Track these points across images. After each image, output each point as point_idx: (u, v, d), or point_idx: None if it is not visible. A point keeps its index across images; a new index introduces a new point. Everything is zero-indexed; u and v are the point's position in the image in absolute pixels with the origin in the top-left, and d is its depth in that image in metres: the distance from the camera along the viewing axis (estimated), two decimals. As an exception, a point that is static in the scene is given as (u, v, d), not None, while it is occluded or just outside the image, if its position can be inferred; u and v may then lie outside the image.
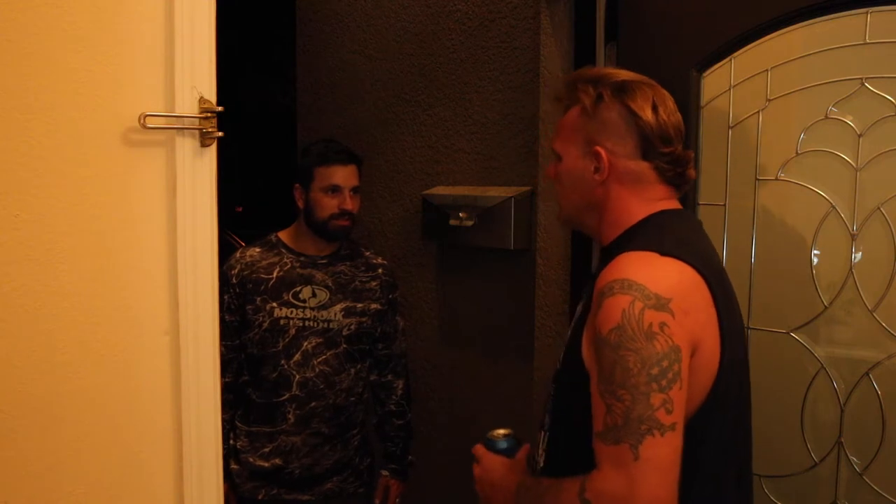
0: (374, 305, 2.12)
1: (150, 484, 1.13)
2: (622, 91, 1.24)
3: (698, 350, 1.10)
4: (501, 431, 1.37)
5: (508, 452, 1.35)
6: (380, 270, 2.17)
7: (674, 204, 1.27)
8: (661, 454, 1.01)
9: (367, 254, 2.20)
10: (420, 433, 2.38)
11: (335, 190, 2.03)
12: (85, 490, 1.08)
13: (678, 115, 1.27)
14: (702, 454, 1.12)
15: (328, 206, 2.04)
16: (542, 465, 1.30)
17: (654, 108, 1.23)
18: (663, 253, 1.13)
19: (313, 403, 2.04)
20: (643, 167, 1.24)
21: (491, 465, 1.32)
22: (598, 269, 1.30)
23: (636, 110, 1.22)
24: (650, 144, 1.23)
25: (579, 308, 1.28)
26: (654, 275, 1.09)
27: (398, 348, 2.23)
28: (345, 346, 2.08)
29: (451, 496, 2.35)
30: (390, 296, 2.18)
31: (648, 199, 1.25)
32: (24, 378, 1.02)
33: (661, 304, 1.06)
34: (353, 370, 2.09)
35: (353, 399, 2.10)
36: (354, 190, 2.07)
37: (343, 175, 2.05)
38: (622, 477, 1.01)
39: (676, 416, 1.03)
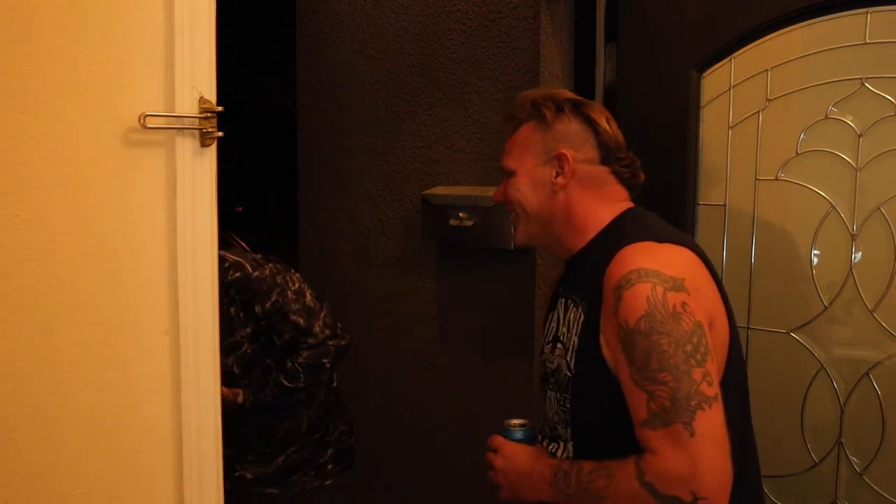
0: (246, 331, 2.00)
1: (150, 484, 1.13)
2: (579, 105, 1.33)
3: (713, 323, 1.16)
4: (518, 421, 1.36)
5: (527, 441, 1.34)
6: (232, 291, 1.97)
7: (629, 204, 1.34)
8: (714, 425, 1.04)
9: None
10: (419, 433, 2.38)
11: None
12: (85, 490, 1.07)
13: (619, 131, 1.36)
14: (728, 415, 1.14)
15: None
16: None
17: (609, 122, 1.32)
18: (660, 240, 1.19)
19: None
20: (602, 171, 1.32)
21: (514, 454, 1.30)
22: (569, 277, 1.35)
23: (596, 120, 1.31)
24: (608, 151, 1.31)
25: (574, 314, 1.26)
26: (663, 260, 1.15)
27: (322, 335, 2.02)
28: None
29: (450, 496, 2.35)
30: (252, 315, 1.98)
31: (611, 201, 1.31)
32: (24, 378, 1.02)
33: (677, 285, 1.11)
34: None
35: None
36: None
37: None
38: (683, 456, 1.03)
39: (716, 387, 1.07)
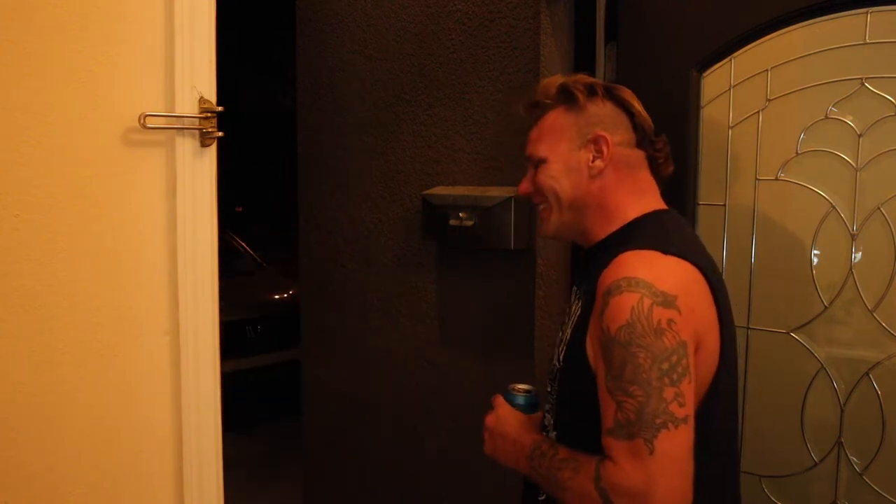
0: None
1: (150, 484, 1.13)
2: (611, 88, 1.31)
3: (701, 346, 1.12)
4: (523, 386, 1.36)
5: (526, 409, 1.34)
6: None
7: (661, 202, 1.31)
8: (676, 446, 1.03)
9: None
10: (418, 433, 2.38)
11: None
12: (85, 490, 1.07)
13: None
14: (706, 443, 1.14)
15: None
16: None
17: (642, 107, 1.31)
18: (666, 252, 1.14)
19: None
20: (638, 155, 1.29)
21: (506, 417, 1.32)
22: (585, 268, 1.32)
23: (632, 103, 1.29)
24: (644, 134, 1.29)
25: (576, 308, 1.27)
26: (660, 273, 1.10)
27: None
28: None
29: (450, 496, 2.35)
30: None
31: (640, 193, 1.28)
32: (24, 378, 1.02)
33: (668, 301, 1.07)
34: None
35: None
36: None
37: None
38: (639, 471, 1.02)
39: (689, 409, 1.04)
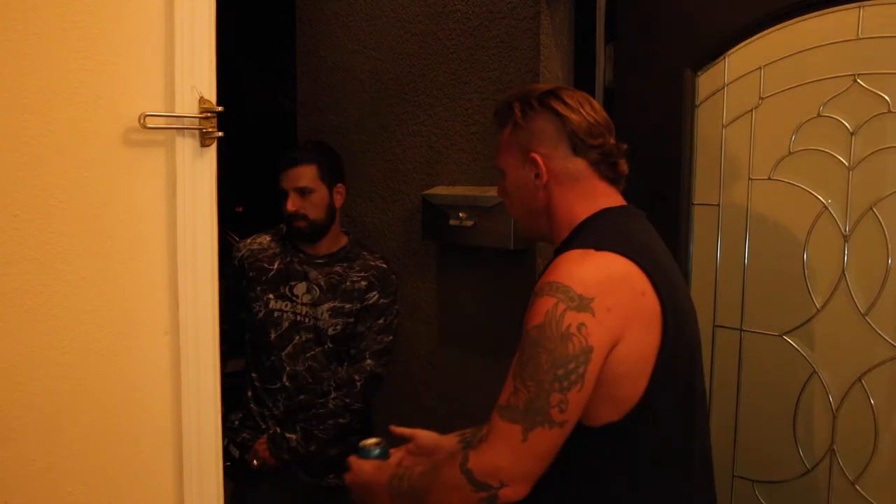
0: (358, 305, 2.13)
1: (150, 484, 1.13)
2: (546, 98, 1.33)
3: (623, 341, 1.16)
4: (372, 441, 1.50)
5: (382, 458, 1.47)
6: (372, 272, 2.17)
7: (616, 200, 1.34)
8: (545, 444, 1.16)
9: (367, 255, 2.21)
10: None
11: (285, 195, 2.11)
12: (85, 490, 1.08)
13: (604, 113, 1.35)
14: (647, 437, 1.21)
15: (284, 210, 2.13)
16: None
17: (580, 106, 1.32)
18: (598, 248, 1.19)
19: (301, 397, 2.10)
20: (578, 164, 1.32)
21: (360, 468, 1.45)
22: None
23: (561, 111, 1.31)
24: (579, 140, 1.31)
25: None
26: (583, 274, 1.16)
27: (367, 349, 2.13)
28: (330, 344, 2.12)
29: None
30: (367, 295, 2.13)
31: (590, 198, 1.32)
32: (24, 378, 1.02)
33: (582, 304, 1.14)
34: (339, 369, 2.13)
35: None
36: (301, 190, 2.10)
37: (287, 178, 2.12)
38: (508, 452, 1.16)
39: (568, 416, 1.15)
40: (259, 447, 2.11)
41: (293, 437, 2.08)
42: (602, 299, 1.14)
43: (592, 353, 1.14)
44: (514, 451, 1.16)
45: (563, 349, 1.13)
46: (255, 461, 2.11)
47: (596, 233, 1.26)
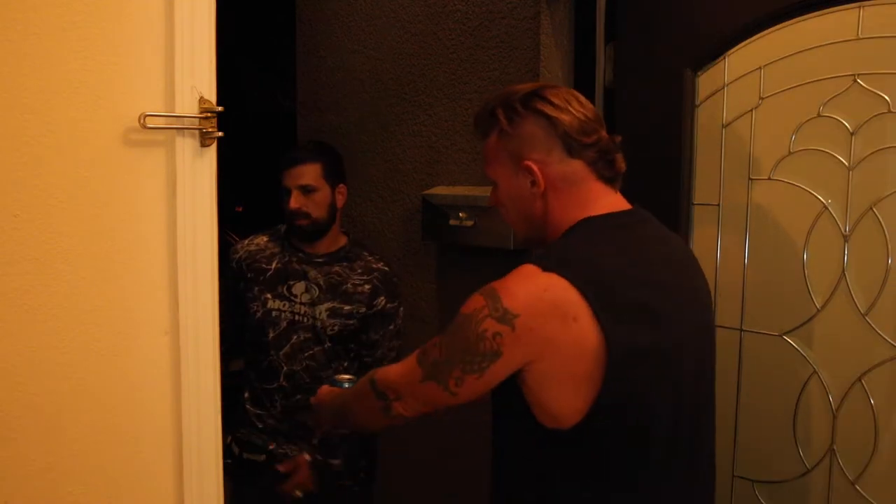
0: (362, 309, 2.12)
1: (150, 484, 1.13)
2: (530, 99, 1.26)
3: (542, 360, 1.15)
4: (346, 376, 1.67)
5: None
6: (375, 275, 2.15)
7: (611, 204, 1.28)
8: (434, 397, 1.24)
9: (368, 256, 2.20)
10: (417, 433, 2.38)
11: (287, 192, 2.11)
12: (85, 490, 1.08)
13: (591, 105, 1.29)
14: (607, 446, 1.18)
15: (285, 208, 2.12)
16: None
17: (567, 104, 1.25)
18: (546, 269, 1.16)
19: (299, 396, 2.10)
20: (575, 167, 1.26)
21: (324, 393, 1.61)
22: None
23: (549, 112, 1.24)
24: (573, 141, 1.24)
25: None
26: (517, 291, 1.15)
27: (384, 357, 2.14)
28: (329, 344, 2.11)
29: (448, 496, 2.35)
30: (374, 301, 2.12)
31: (583, 204, 1.26)
32: (24, 378, 1.02)
33: (505, 318, 1.14)
34: (340, 367, 2.13)
35: None
36: (304, 188, 2.10)
37: (290, 176, 2.11)
38: (405, 384, 1.28)
39: (460, 392, 1.20)
40: (299, 475, 2.06)
41: (336, 462, 2.09)
42: (526, 319, 1.13)
43: (500, 358, 1.15)
44: (409, 385, 1.28)
45: (475, 345, 1.16)
46: (297, 492, 2.06)
47: (556, 250, 1.22)
